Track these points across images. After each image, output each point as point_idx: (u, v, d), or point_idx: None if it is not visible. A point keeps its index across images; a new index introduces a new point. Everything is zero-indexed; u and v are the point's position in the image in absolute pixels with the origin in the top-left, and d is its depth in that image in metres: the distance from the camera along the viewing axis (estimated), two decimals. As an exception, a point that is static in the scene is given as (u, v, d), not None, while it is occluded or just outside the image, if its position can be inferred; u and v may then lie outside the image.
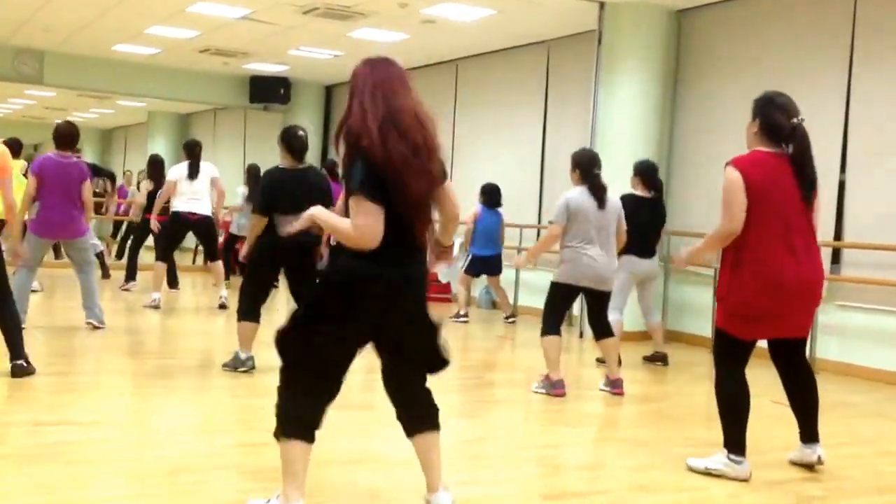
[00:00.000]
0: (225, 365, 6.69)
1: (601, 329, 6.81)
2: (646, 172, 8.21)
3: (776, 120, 4.45)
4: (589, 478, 4.65)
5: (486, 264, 11.06)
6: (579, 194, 6.53)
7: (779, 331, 4.60)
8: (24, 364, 6.01)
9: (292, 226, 3.58)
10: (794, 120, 4.43)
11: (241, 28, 12.77)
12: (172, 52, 14.94)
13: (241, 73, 16.71)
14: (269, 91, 16.94)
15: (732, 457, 4.53)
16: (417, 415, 3.64)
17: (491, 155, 13.24)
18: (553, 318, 6.64)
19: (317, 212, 3.44)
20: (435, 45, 13.19)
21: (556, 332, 6.60)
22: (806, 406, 4.75)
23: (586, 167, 6.62)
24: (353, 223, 3.25)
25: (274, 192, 6.47)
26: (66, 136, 8.09)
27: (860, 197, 8.50)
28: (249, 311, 6.62)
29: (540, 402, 6.41)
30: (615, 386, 6.73)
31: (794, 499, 4.42)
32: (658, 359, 8.40)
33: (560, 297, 6.66)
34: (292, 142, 6.65)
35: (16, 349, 6.02)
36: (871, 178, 8.43)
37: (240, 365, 6.64)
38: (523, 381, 6.98)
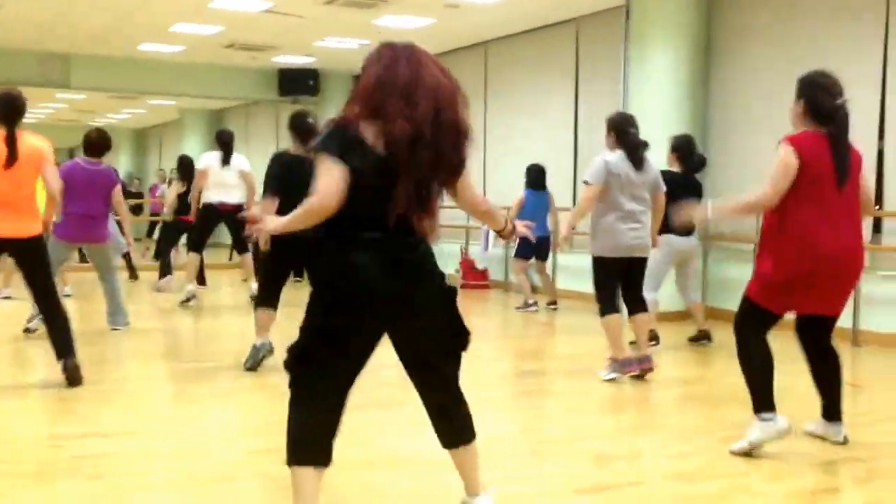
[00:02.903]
0: (248, 367, 6.58)
1: (636, 303, 6.60)
2: (682, 148, 7.96)
3: (821, 101, 4.48)
4: (624, 469, 4.49)
5: (536, 247, 10.54)
6: (617, 158, 6.31)
7: (811, 305, 4.58)
8: (78, 365, 5.92)
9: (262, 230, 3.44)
10: (839, 101, 4.46)
11: (264, 21, 12.69)
12: (198, 48, 14.89)
13: (270, 66, 16.67)
14: (297, 84, 16.87)
15: (764, 415, 4.51)
16: (452, 429, 3.46)
17: (524, 137, 13.06)
18: (605, 295, 6.42)
19: (273, 225, 3.31)
20: (462, 29, 13.03)
21: (614, 309, 6.40)
22: (831, 385, 4.76)
23: (621, 127, 6.41)
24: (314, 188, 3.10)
25: (281, 175, 6.34)
26: (96, 145, 8.18)
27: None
28: (265, 298, 6.56)
29: (577, 391, 6.25)
30: (643, 361, 6.46)
31: (843, 479, 4.35)
32: (702, 337, 8.18)
33: (605, 272, 6.42)
34: (298, 127, 6.57)
35: (68, 348, 5.94)
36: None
37: (256, 356, 6.55)
38: (561, 370, 6.84)
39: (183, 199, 11.40)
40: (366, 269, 3.13)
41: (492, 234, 12.56)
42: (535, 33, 12.93)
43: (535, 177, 10.79)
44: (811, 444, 4.77)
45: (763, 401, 4.53)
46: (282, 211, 6.20)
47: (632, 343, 6.67)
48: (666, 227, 6.84)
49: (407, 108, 3.10)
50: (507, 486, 3.97)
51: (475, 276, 13.37)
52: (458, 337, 3.39)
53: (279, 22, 12.65)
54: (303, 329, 3.23)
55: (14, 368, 7.16)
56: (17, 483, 4.03)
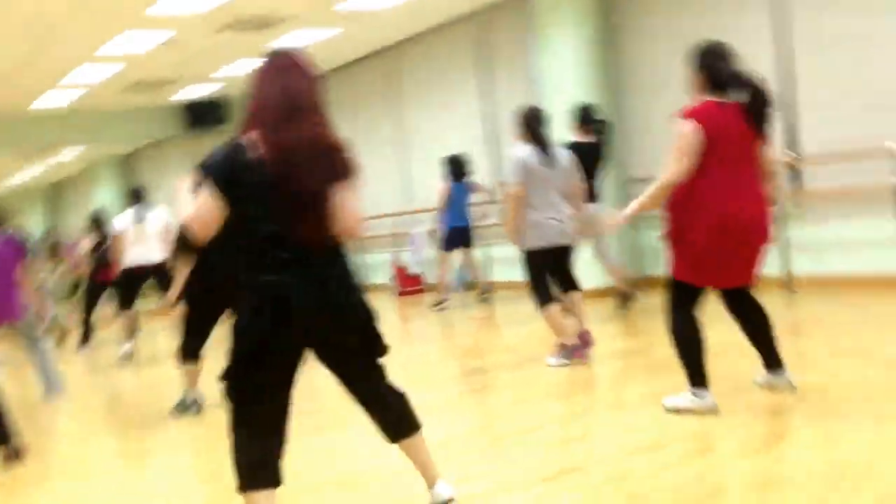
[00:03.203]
0: (175, 412, 6.41)
1: (568, 282, 6.66)
2: (580, 117, 8.31)
3: (718, 69, 4.49)
4: (585, 450, 4.47)
5: (459, 236, 10.79)
6: (530, 153, 6.32)
7: (728, 279, 4.67)
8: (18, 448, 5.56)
9: None
10: (736, 68, 4.48)
11: (160, 58, 12.47)
12: (98, 94, 14.56)
13: (174, 103, 16.40)
14: (204, 115, 16.62)
15: (696, 391, 4.64)
16: (392, 420, 3.50)
17: (440, 135, 13.07)
18: (540, 287, 6.45)
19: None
20: (370, 35, 12.98)
21: (550, 299, 6.43)
22: (764, 338, 4.83)
23: (530, 122, 6.42)
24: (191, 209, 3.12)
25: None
26: None
27: (810, 117, 8.55)
28: (188, 352, 6.29)
29: (524, 382, 6.23)
30: (585, 339, 6.53)
31: (794, 421, 4.47)
32: (628, 296, 8.44)
33: (537, 264, 6.44)
34: None
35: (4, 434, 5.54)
36: (819, 97, 8.47)
37: (184, 405, 6.41)
38: (506, 364, 6.82)
39: (99, 256, 11.01)
40: (281, 288, 3.13)
41: (421, 237, 12.58)
42: (440, 31, 12.92)
43: (454, 167, 10.80)
44: (761, 394, 4.85)
45: (695, 377, 4.65)
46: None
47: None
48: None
49: (285, 122, 3.14)
50: (471, 484, 3.93)
51: (410, 283, 13.37)
52: (375, 346, 3.42)
53: (175, 55, 12.44)
54: (230, 353, 3.21)
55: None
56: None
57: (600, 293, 9.37)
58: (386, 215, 13.63)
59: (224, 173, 3.10)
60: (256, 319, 3.14)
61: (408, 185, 13.71)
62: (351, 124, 14.00)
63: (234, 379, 3.20)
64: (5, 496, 5.03)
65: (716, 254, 4.46)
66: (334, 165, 3.20)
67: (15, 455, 5.53)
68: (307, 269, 3.16)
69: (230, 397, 3.23)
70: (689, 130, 4.37)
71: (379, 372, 3.48)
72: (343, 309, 3.25)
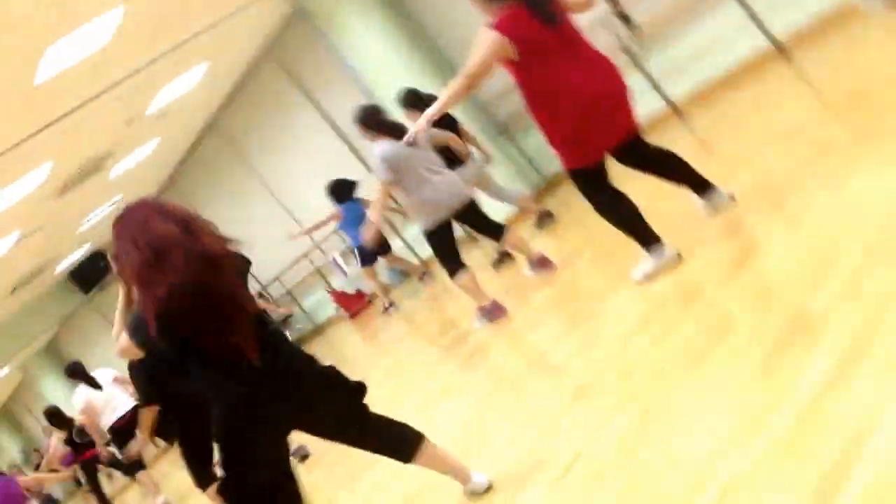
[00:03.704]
0: None
1: (494, 229, 6.81)
2: (408, 102, 8.24)
3: None
4: (592, 363, 4.35)
5: (372, 249, 10.69)
6: (388, 145, 6.36)
7: (609, 137, 4.73)
8: None
9: None
10: None
11: (25, 249, 12.47)
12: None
13: (59, 277, 16.30)
14: (92, 272, 16.47)
15: (652, 250, 4.71)
16: (396, 449, 3.61)
17: (302, 172, 13.19)
18: (448, 258, 6.52)
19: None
20: (188, 122, 13.06)
21: (460, 266, 6.48)
22: (681, 170, 4.89)
23: (372, 119, 6.56)
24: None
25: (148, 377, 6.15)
26: None
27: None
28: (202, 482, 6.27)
29: (504, 328, 6.25)
30: (542, 263, 6.68)
31: (741, 231, 4.56)
32: (544, 216, 8.48)
33: (439, 239, 6.51)
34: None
35: None
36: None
37: None
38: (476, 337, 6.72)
39: (76, 442, 11.14)
40: (255, 405, 3.30)
41: (339, 258, 12.74)
42: (243, 82, 12.98)
43: (340, 190, 10.92)
44: (712, 222, 4.87)
45: (645, 237, 4.70)
46: None
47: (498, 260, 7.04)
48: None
49: (160, 273, 3.16)
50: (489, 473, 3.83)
51: (354, 302, 13.36)
52: (355, 403, 3.54)
53: (34, 242, 12.44)
54: (225, 470, 3.39)
55: None
56: None
57: (515, 219, 9.41)
58: (297, 260, 13.79)
59: (147, 337, 3.29)
60: (239, 435, 3.33)
61: (300, 223, 13.83)
62: (214, 203, 14.10)
63: (232, 480, 3.38)
64: None
65: (588, 123, 4.58)
66: (226, 279, 3.27)
67: None
68: (270, 383, 3.30)
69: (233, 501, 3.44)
70: (490, 36, 4.56)
71: (363, 423, 3.56)
72: (315, 399, 3.41)
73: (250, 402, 3.29)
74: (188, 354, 3.27)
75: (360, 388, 3.53)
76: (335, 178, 11.07)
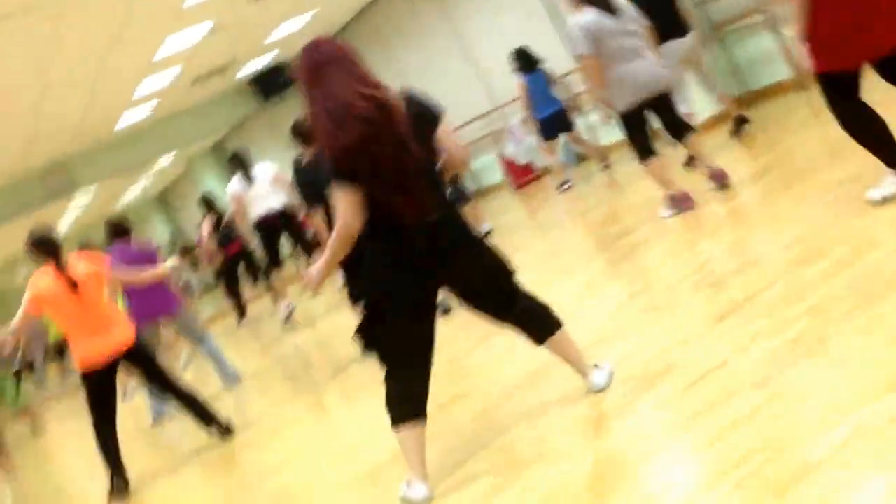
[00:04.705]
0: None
1: (680, 129, 6.50)
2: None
3: None
4: (753, 279, 4.32)
5: (555, 122, 10.52)
6: (590, 17, 6.12)
7: (871, 49, 4.15)
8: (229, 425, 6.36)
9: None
10: None
11: (211, 47, 12.54)
12: (168, 99, 14.80)
13: (240, 81, 16.50)
14: (271, 83, 16.65)
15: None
16: (532, 329, 3.69)
17: (500, 30, 12.76)
18: (638, 143, 6.36)
19: (314, 273, 3.55)
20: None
21: (651, 153, 6.35)
22: None
23: None
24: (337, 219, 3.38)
25: (310, 183, 6.30)
26: (120, 229, 8.25)
27: None
28: None
29: (670, 230, 6.10)
30: (721, 177, 6.36)
31: None
32: (741, 121, 8.04)
33: (632, 122, 6.33)
34: (305, 130, 6.35)
35: (208, 415, 6.35)
36: None
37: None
38: (647, 220, 6.66)
39: (222, 232, 11.39)
40: (403, 253, 3.44)
41: (517, 127, 12.40)
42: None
43: (522, 60, 10.49)
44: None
45: (893, 156, 4.26)
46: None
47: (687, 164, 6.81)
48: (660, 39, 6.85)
49: (356, 123, 3.29)
50: (657, 333, 3.97)
51: (523, 174, 13.17)
52: (502, 274, 3.63)
53: (224, 38, 12.48)
54: (365, 312, 3.52)
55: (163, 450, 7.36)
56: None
57: (712, 124, 9.03)
58: (474, 119, 13.51)
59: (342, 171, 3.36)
60: (386, 273, 3.45)
61: (488, 85, 13.47)
62: (404, 41, 13.93)
63: (374, 327, 3.51)
64: (232, 459, 5.87)
65: (851, 22, 4.05)
66: (400, 135, 3.36)
67: (226, 430, 6.33)
68: (421, 236, 3.42)
69: (373, 344, 3.58)
70: None
71: (510, 295, 3.64)
72: (462, 250, 3.52)
73: (404, 254, 3.44)
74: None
75: (504, 268, 3.66)
76: (519, 46, 10.60)
